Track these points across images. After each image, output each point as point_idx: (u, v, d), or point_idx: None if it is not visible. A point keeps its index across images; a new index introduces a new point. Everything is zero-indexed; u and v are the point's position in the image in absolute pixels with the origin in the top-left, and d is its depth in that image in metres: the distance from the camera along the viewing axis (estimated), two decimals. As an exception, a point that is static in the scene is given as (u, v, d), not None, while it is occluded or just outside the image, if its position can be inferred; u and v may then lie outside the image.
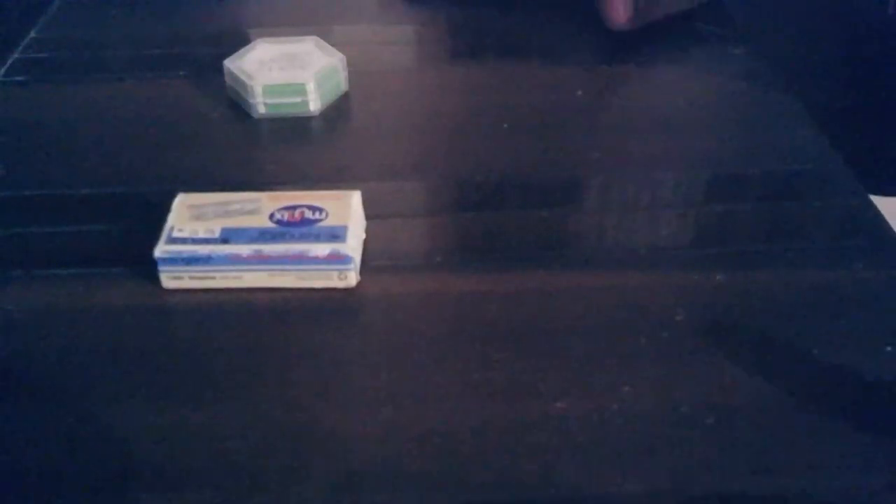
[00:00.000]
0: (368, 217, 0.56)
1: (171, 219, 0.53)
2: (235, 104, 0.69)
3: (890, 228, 0.56)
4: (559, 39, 0.78)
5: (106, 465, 0.43)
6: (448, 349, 0.49)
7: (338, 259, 0.51)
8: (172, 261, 0.51)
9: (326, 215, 0.53)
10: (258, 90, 0.66)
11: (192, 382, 0.47)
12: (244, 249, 0.51)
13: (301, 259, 0.51)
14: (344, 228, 0.52)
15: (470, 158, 0.63)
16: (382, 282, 0.53)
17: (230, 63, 0.68)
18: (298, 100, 0.67)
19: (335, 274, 0.51)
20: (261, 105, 0.66)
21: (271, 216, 0.53)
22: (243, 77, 0.66)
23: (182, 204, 0.54)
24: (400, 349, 0.49)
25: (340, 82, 0.69)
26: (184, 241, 0.51)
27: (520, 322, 0.50)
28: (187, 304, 0.52)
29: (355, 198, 0.55)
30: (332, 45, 0.70)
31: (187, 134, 0.66)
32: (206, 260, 0.51)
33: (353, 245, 0.52)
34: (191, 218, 0.53)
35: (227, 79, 0.69)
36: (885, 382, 0.46)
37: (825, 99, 0.69)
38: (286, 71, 0.67)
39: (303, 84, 0.66)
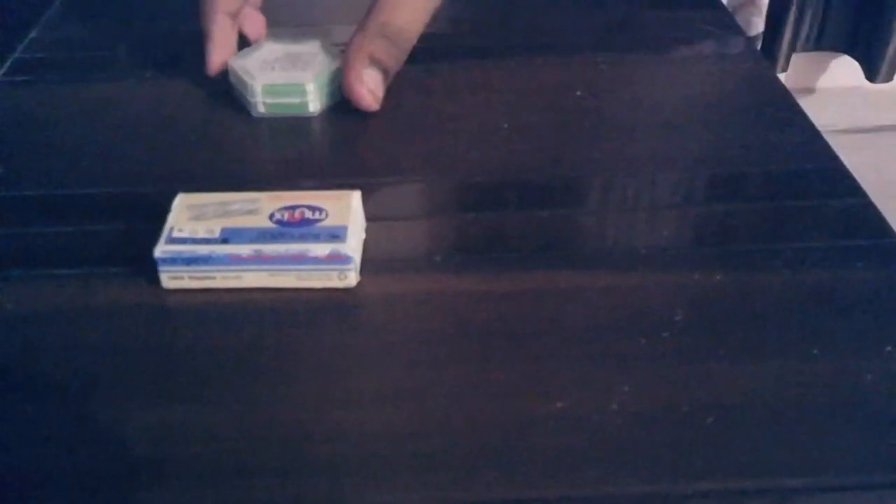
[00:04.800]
0: (368, 217, 0.56)
1: (171, 219, 0.53)
2: (236, 103, 0.69)
3: (890, 228, 0.56)
4: (559, 39, 0.78)
5: (105, 465, 0.43)
6: (448, 349, 0.49)
7: (338, 259, 0.51)
8: (172, 261, 0.51)
9: (326, 215, 0.53)
10: (258, 89, 0.66)
11: (192, 382, 0.47)
12: (244, 249, 0.51)
13: (301, 259, 0.51)
14: (344, 228, 0.52)
15: (470, 158, 0.63)
16: (382, 282, 0.53)
17: (234, 62, 0.68)
18: (298, 100, 0.67)
19: (335, 274, 0.51)
20: (260, 104, 0.66)
21: (271, 216, 0.53)
22: (245, 76, 0.66)
23: (182, 204, 0.54)
24: (400, 349, 0.49)
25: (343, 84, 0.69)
26: (184, 241, 0.51)
27: (520, 322, 0.50)
28: (187, 304, 0.52)
29: (355, 198, 0.55)
30: (333, 44, 0.70)
31: (187, 134, 0.66)
32: (206, 260, 0.51)
33: (353, 245, 0.52)
34: (191, 218, 0.53)
35: (231, 77, 0.69)
36: (885, 382, 0.46)
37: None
38: (287, 71, 0.67)
39: (302, 84, 0.66)
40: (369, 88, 0.66)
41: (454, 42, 0.78)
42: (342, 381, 0.47)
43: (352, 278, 0.52)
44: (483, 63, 0.75)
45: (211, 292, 0.52)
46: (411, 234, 0.58)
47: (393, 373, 0.47)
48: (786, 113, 0.67)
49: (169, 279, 0.52)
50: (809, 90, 1.36)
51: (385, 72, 0.67)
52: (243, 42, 0.71)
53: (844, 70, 1.32)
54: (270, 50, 0.70)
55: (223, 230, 0.52)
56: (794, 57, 1.26)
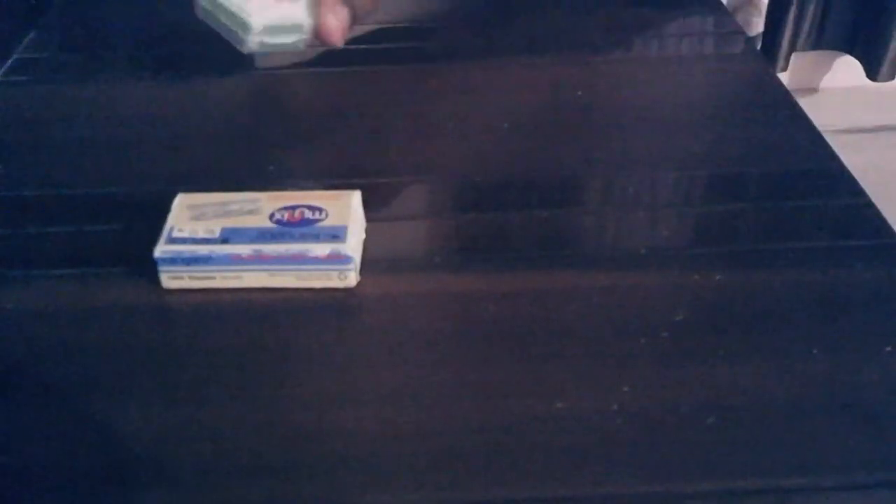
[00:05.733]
0: (368, 217, 0.56)
1: (171, 219, 0.53)
2: (236, 103, 0.69)
3: (890, 228, 0.56)
4: (559, 39, 0.78)
5: (105, 465, 0.43)
6: (448, 349, 0.49)
7: (338, 259, 0.51)
8: (172, 261, 0.51)
9: (326, 215, 0.53)
10: (256, 27, 0.64)
11: (192, 382, 0.47)
12: (244, 249, 0.51)
13: (301, 259, 0.51)
14: (344, 228, 0.52)
15: (470, 158, 0.63)
16: (382, 282, 0.53)
17: None
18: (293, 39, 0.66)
19: (335, 274, 0.51)
20: (255, 43, 0.65)
21: (271, 216, 0.53)
22: (239, 12, 0.64)
23: (182, 204, 0.54)
24: (400, 349, 0.49)
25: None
26: (184, 241, 0.51)
27: (520, 322, 0.50)
28: (187, 304, 0.52)
29: (355, 198, 0.55)
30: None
31: (187, 134, 0.66)
32: (206, 260, 0.51)
33: (353, 245, 0.52)
34: (191, 218, 0.53)
35: (212, 7, 0.66)
36: (885, 382, 0.46)
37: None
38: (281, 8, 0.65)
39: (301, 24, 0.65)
40: (340, 23, 0.66)
41: (454, 42, 0.78)
42: (342, 381, 0.47)
43: (352, 278, 0.52)
44: (483, 63, 0.75)
45: (211, 292, 0.52)
46: (411, 234, 0.58)
47: (393, 373, 0.47)
48: (786, 113, 0.67)
49: (169, 279, 0.52)
50: (809, 90, 1.36)
51: (354, 16, 0.67)
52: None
53: (845, 69, 1.32)
54: None
55: (223, 230, 0.52)
56: (794, 57, 1.25)
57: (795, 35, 1.25)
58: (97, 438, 0.44)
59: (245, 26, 0.64)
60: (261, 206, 0.53)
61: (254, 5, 0.65)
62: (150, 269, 0.52)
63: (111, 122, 0.68)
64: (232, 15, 0.64)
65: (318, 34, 0.66)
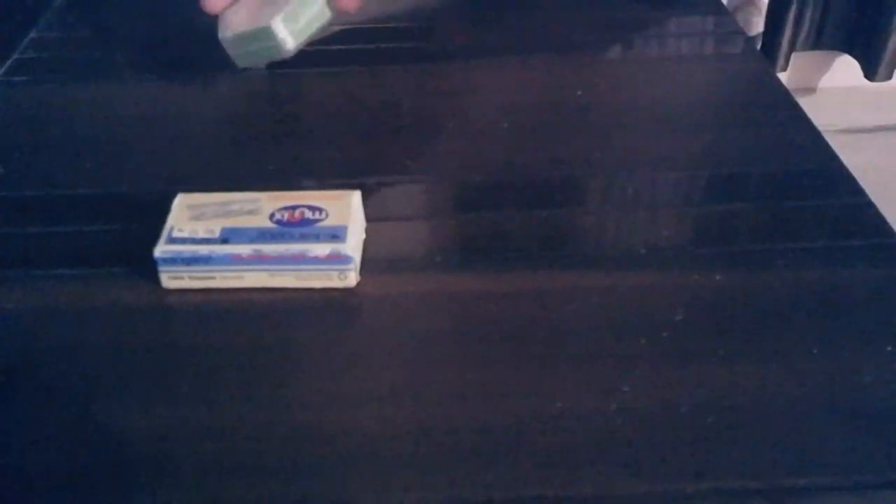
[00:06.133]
0: (368, 217, 0.56)
1: (171, 219, 0.53)
2: (236, 102, 0.68)
3: (890, 228, 0.56)
4: (559, 39, 0.78)
5: (105, 465, 0.43)
6: (448, 349, 0.49)
7: (338, 259, 0.51)
8: (172, 261, 0.51)
9: (326, 215, 0.53)
10: (280, 25, 0.64)
11: (192, 382, 0.47)
12: (244, 249, 0.51)
13: (301, 259, 0.51)
14: (344, 228, 0.52)
15: (470, 158, 0.63)
16: (382, 282, 0.53)
17: (237, 28, 0.66)
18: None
19: (335, 274, 0.51)
20: (289, 40, 0.65)
21: (271, 216, 0.53)
22: (261, 24, 0.64)
23: (182, 204, 0.54)
24: (400, 349, 0.49)
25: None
26: (184, 241, 0.51)
27: (520, 322, 0.50)
28: (187, 304, 0.52)
29: (355, 198, 0.55)
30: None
31: (187, 134, 0.66)
32: (206, 260, 0.51)
33: (353, 245, 0.52)
34: (191, 218, 0.53)
35: (236, 38, 0.66)
36: (885, 382, 0.46)
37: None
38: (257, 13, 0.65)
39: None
40: None
41: (454, 42, 0.78)
42: (342, 381, 0.47)
43: (352, 278, 0.52)
44: (483, 63, 0.75)
45: (211, 292, 0.52)
46: (411, 234, 0.58)
47: (393, 373, 0.47)
48: (786, 113, 0.67)
49: (169, 279, 0.52)
50: (809, 90, 1.36)
51: None
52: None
53: (844, 69, 1.32)
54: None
55: (223, 230, 0.52)
56: (794, 56, 1.26)
57: (795, 35, 1.25)
58: (97, 438, 0.44)
59: (269, 31, 0.64)
60: (261, 206, 0.53)
61: (265, 13, 0.65)
62: (150, 269, 0.52)
63: (111, 122, 0.68)
64: (255, 35, 0.65)
65: (332, 4, 0.65)
